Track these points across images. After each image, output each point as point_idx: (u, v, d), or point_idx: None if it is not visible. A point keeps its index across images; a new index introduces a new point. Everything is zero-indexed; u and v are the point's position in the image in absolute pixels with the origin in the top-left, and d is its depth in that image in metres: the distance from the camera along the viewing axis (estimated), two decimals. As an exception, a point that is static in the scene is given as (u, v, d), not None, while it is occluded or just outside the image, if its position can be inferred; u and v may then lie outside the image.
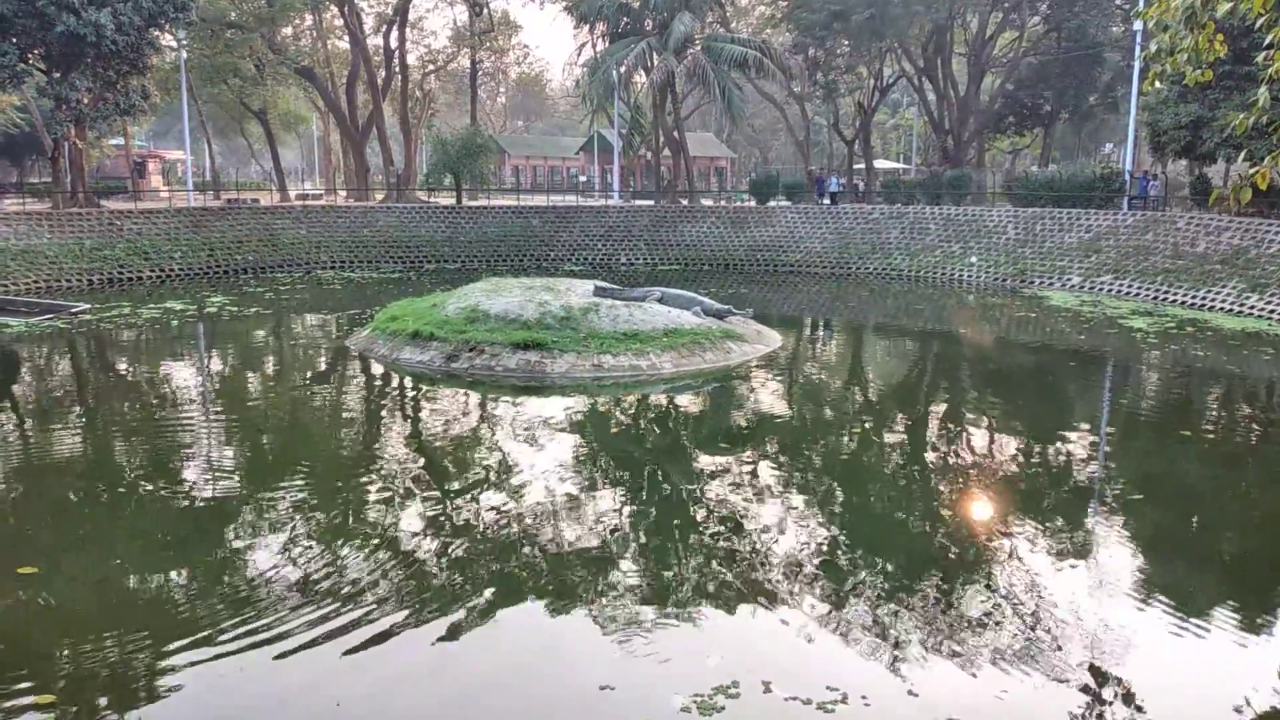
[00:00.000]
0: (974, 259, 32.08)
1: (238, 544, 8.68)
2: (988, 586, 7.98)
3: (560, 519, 9.39)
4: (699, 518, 9.55)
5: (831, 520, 9.52)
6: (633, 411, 14.50)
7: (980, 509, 9.92)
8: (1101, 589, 7.97)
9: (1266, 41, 6.46)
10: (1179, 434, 13.21)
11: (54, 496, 10.08)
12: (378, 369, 17.27)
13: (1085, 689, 6.46)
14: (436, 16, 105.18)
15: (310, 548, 8.58)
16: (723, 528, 9.22)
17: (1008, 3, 41.44)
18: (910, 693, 6.40)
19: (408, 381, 16.43)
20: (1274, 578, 8.47)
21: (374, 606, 7.46)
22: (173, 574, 8.10)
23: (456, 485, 10.50)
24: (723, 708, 6.14)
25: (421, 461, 11.37)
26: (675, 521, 9.44)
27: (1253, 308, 23.39)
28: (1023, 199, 34.58)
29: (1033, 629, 7.24)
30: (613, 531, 9.11)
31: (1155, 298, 25.88)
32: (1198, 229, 27.12)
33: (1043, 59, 43.82)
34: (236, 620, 7.20)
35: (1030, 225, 31.73)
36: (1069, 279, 28.91)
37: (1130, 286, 27.04)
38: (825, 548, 8.78)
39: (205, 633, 7.02)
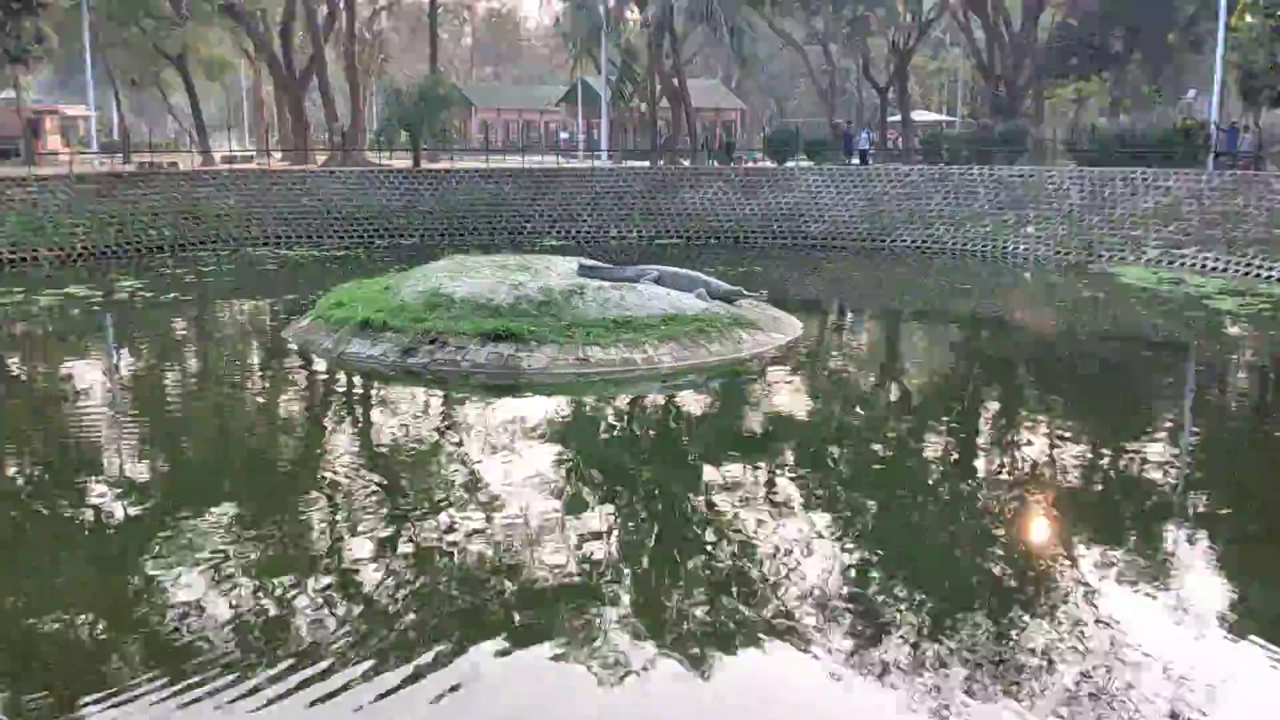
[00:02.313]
0: (1031, 229, 32.13)
1: (157, 579, 8.65)
2: (1050, 619, 7.99)
3: (540, 544, 9.38)
4: (705, 540, 9.55)
5: (863, 542, 9.53)
6: (625, 414, 14.49)
7: (1039, 528, 9.93)
8: (1185, 621, 7.99)
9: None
10: (1276, 438, 13.25)
11: (-66, 521, 10.04)
12: (320, 365, 17.23)
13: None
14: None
15: (243, 583, 8.56)
16: (733, 551, 9.22)
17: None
18: (957, 748, 6.41)
19: (356, 380, 16.39)
20: (1388, 606, 8.49)
21: (319, 653, 7.45)
22: (80, 616, 8.07)
23: (416, 505, 10.49)
24: (734, 767, 6.15)
25: (374, 477, 11.36)
26: (677, 545, 9.44)
27: (1362, 285, 23.47)
28: (1089, 157, 34.61)
29: (1103, 669, 7.25)
30: (603, 558, 9.11)
31: (1247, 273, 25.93)
32: (1297, 191, 27.17)
33: (1112, -11, 43.85)
34: (156, 673, 7.18)
35: (1098, 188, 31.78)
36: (1144, 252, 28.97)
37: (1217, 260, 27.09)
38: (856, 574, 8.78)
39: (118, 688, 6.99)
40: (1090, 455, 12.35)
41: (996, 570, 8.94)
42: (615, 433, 13.58)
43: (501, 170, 39.49)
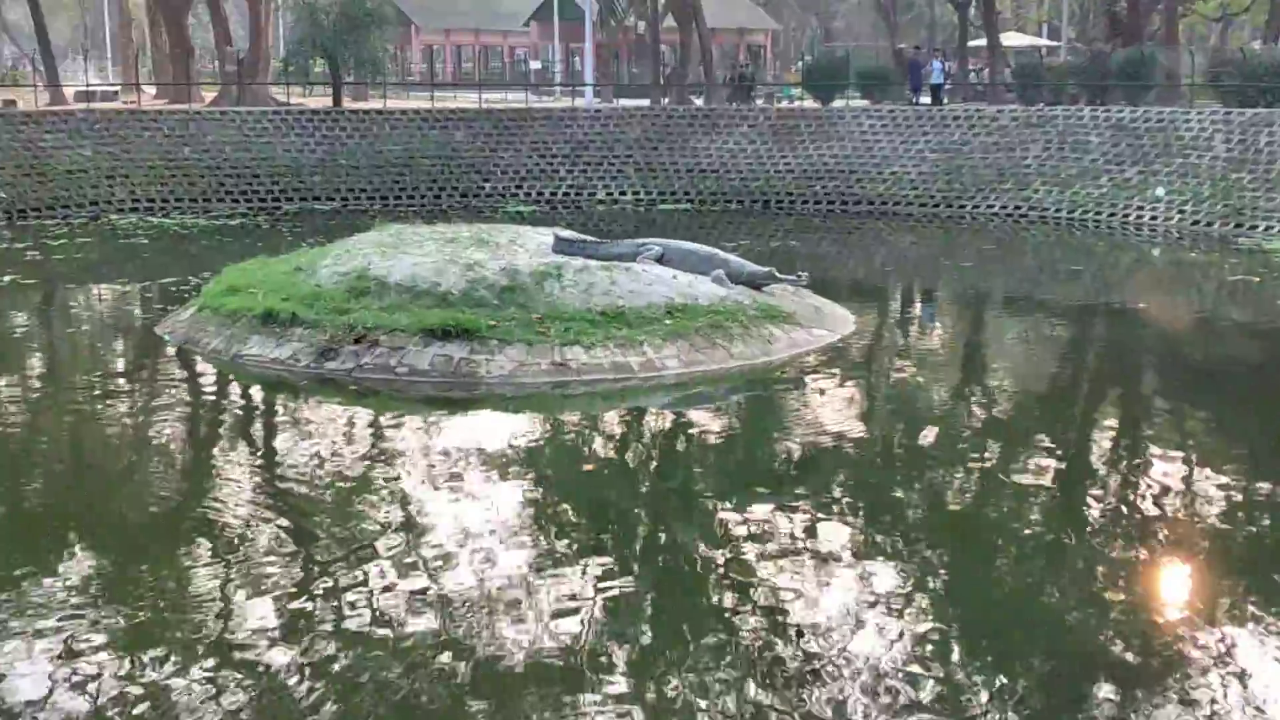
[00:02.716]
0: (1161, 191, 32.19)
1: (-15, 655, 8.64)
2: (1186, 705, 8.00)
3: (503, 612, 9.38)
4: (723, 606, 9.55)
5: (935, 612, 9.52)
6: (617, 438, 14.48)
7: (1172, 587, 9.96)
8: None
9: None
10: None
11: None
12: (208, 371, 17.22)
13: None
14: None
15: (103, 667, 8.54)
16: (761, 623, 9.22)
17: None
18: None
19: (256, 392, 16.40)
20: None
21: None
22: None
23: (337, 560, 10.48)
24: None
25: (279, 523, 11.36)
26: (685, 613, 9.44)
27: None
28: (1239, 95, 34.65)
29: (1257, 781, 7.26)
30: (586, 631, 9.11)
31: None
32: None
33: None
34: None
35: (1250, 137, 31.83)
36: (1312, 221, 29.01)
37: None
38: (927, 655, 8.78)
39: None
40: (1239, 489, 12.34)
41: (1115, 643, 8.94)
42: (603, 462, 13.58)
43: (452, 112, 39.52)
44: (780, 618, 9.30)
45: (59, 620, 9.17)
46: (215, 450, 14.10)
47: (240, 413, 16.00)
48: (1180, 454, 13.85)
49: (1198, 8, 56.87)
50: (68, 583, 9.90)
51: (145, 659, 8.59)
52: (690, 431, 14.68)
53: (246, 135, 36.74)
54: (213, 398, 16.58)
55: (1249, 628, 9.19)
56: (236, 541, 10.80)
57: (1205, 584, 10.01)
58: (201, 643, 8.88)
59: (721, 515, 11.60)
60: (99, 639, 8.89)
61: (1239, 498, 12.20)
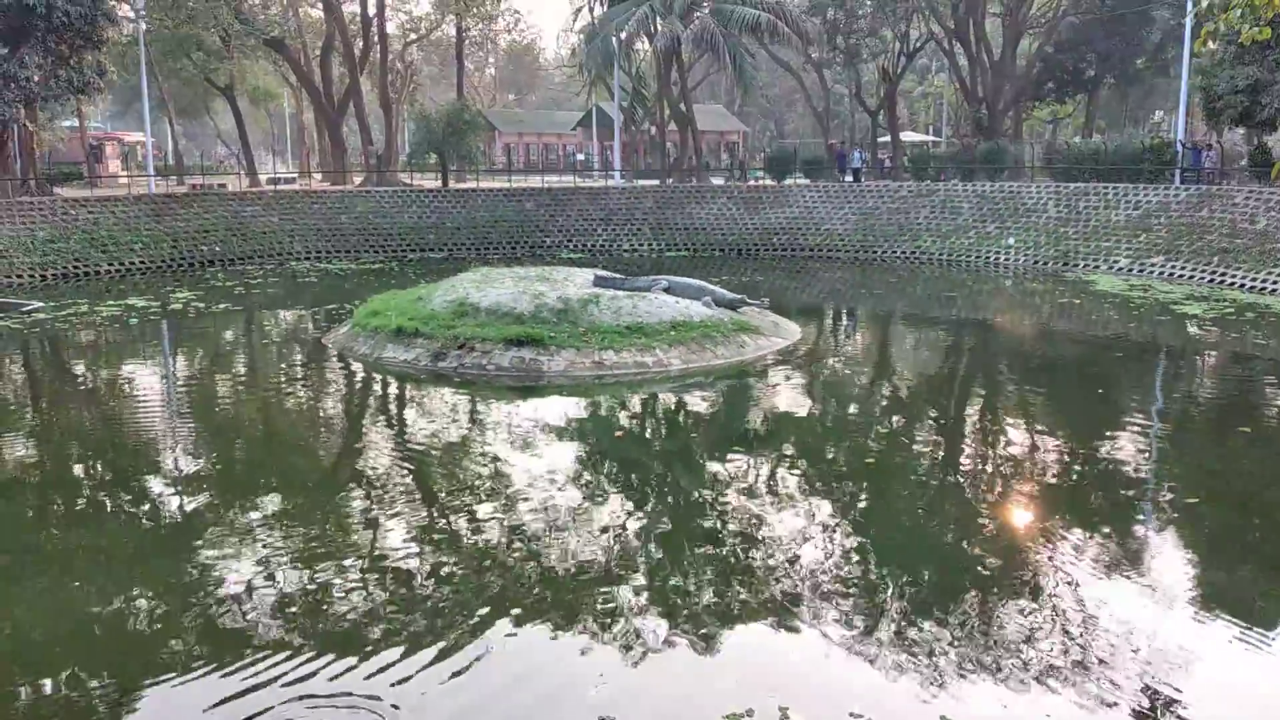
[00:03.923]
0: (1011, 240, 32.02)
1: (209, 568, 8.71)
2: (1030, 600, 7.98)
3: (559, 532, 9.42)
4: (712, 528, 9.56)
5: (857, 530, 9.53)
6: (638, 413, 14.51)
7: (1021, 515, 9.92)
8: (1156, 601, 7.97)
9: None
10: (1239, 430, 13.19)
11: (6, 513, 10.13)
12: (358, 369, 17.30)
13: (1138, 712, 6.47)
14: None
15: (290, 569, 8.61)
16: (738, 539, 9.24)
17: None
18: (944, 718, 6.41)
19: (391, 382, 16.46)
20: (1345, 588, 8.45)
21: (360, 633, 7.49)
22: (139, 602, 8.13)
23: (446, 497, 10.54)
24: (740, 737, 6.16)
25: (408, 471, 11.41)
26: (686, 533, 9.46)
27: (1319, 290, 23.31)
28: (1064, 173, 34.49)
29: (1080, 646, 7.24)
30: (617, 545, 9.14)
31: (1211, 280, 25.81)
32: (1258, 204, 27.01)
33: (1085, 18, 43.68)
34: (209, 656, 7.24)
35: (1073, 202, 31.66)
36: (1116, 261, 28.84)
37: (1184, 268, 26.97)
38: (851, 560, 8.79)
39: (175, 671, 7.05)
40: (1067, 448, 12.27)
41: (981, 555, 8.92)
42: (629, 430, 13.61)
43: (523, 189, 39.59)
44: (751, 537, 9.32)
45: (256, 541, 9.24)
46: (363, 422, 14.16)
47: (380, 396, 16.07)
48: (1025, 422, 13.79)
49: (1036, 113, 56.52)
50: (264, 513, 9.98)
51: (316, 566, 8.66)
52: (688, 408, 14.69)
53: (383, 206, 36.84)
54: (362, 386, 16.65)
55: (1073, 544, 9.17)
56: (379, 485, 10.87)
57: (1043, 513, 9.96)
58: (355, 553, 8.94)
59: (710, 466, 11.63)
60: (285, 553, 8.96)
61: (1067, 453, 12.15)
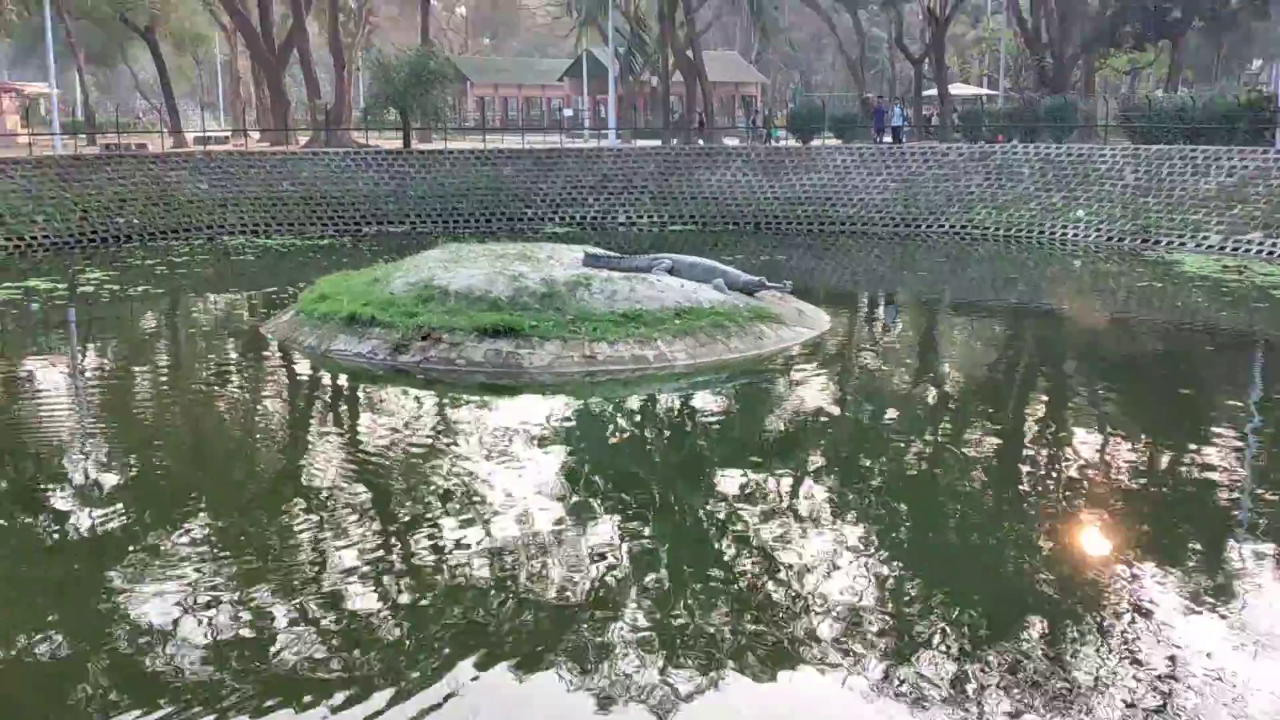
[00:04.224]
0: (1081, 213, 32.06)
1: (126, 599, 8.70)
2: (1101, 639, 7.98)
3: (544, 558, 9.41)
4: (723, 554, 9.56)
5: (896, 556, 9.53)
6: (636, 416, 14.50)
7: (1092, 540, 9.92)
8: (1250, 643, 7.97)
9: None
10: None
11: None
12: (303, 364, 17.28)
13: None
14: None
15: (222, 601, 8.60)
16: (753, 567, 9.23)
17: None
18: (1001, 779, 6.41)
19: (343, 380, 16.44)
20: None
21: (307, 674, 7.49)
22: (42, 645, 8.11)
23: (409, 516, 10.52)
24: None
25: (362, 486, 11.40)
26: (694, 559, 9.46)
27: None
28: (1144, 134, 34.50)
29: (1161, 694, 7.24)
30: (613, 573, 9.13)
31: (1319, 261, 25.83)
32: (1374, 170, 27.04)
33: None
34: (127, 705, 7.23)
35: (1154, 167, 31.68)
36: (1205, 237, 28.86)
37: (1286, 246, 27.00)
38: (887, 591, 8.79)
39: None
40: (1147, 460, 12.31)
41: (1044, 586, 8.91)
42: (625, 437, 13.60)
43: (499, 151, 39.56)
44: (769, 563, 9.32)
45: (183, 567, 9.23)
46: (309, 427, 14.15)
47: (329, 397, 16.05)
48: (1097, 427, 13.80)
49: (1111, 63, 56.55)
50: (192, 536, 9.97)
51: (253, 597, 8.64)
52: (695, 411, 14.68)
53: (333, 171, 36.83)
54: (307, 385, 16.64)
55: (1153, 571, 9.17)
56: (327, 501, 10.85)
57: (1118, 535, 9.97)
58: (300, 582, 8.94)
59: (721, 479, 11.63)
60: (216, 581, 8.95)
61: (1145, 464, 12.17)
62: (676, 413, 14.68)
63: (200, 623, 8.21)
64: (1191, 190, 30.47)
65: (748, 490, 11.19)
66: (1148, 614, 8.36)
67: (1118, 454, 12.57)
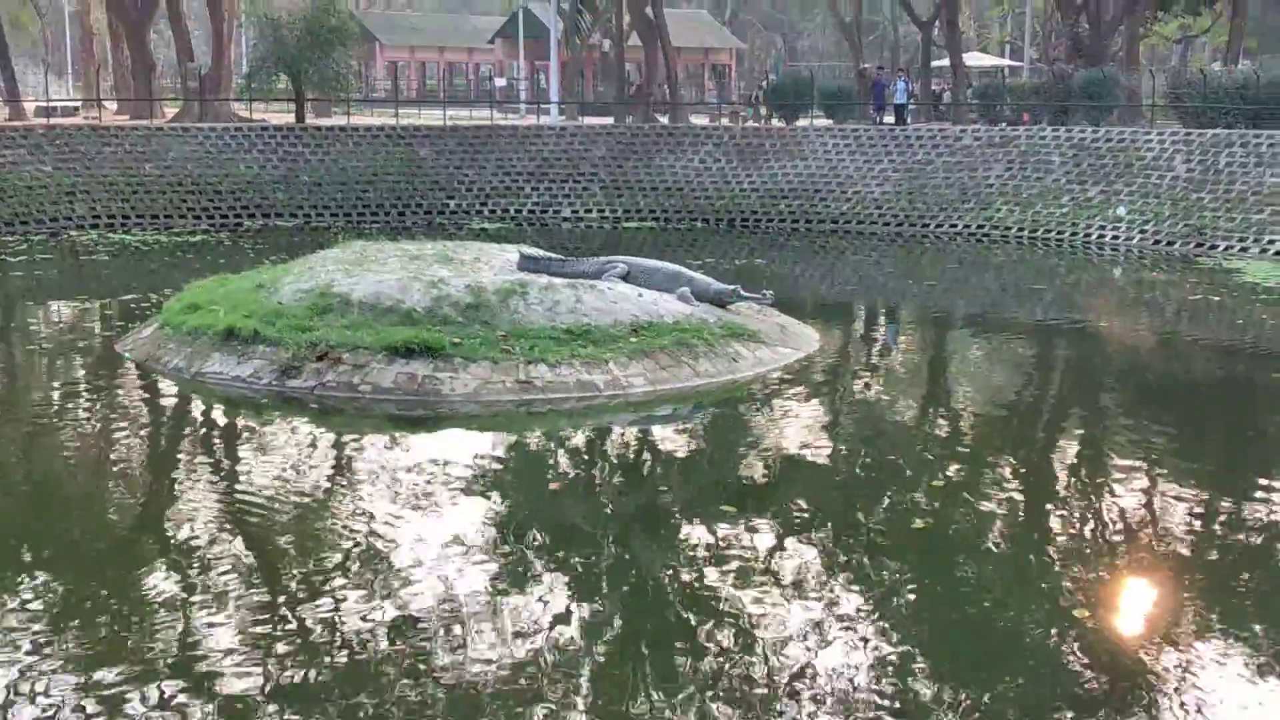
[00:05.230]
0: (1122, 210, 32.45)
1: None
2: (1149, 732, 8.01)
3: (467, 633, 9.34)
4: (689, 627, 9.52)
5: (899, 631, 9.52)
6: (582, 456, 14.46)
7: (1137, 607, 9.98)
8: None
9: None
10: None
11: None
12: (169, 390, 17.09)
13: None
14: None
15: (62, 684, 8.44)
16: (726, 641, 9.21)
17: None
18: None
19: (218, 411, 16.29)
20: None
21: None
22: None
23: (300, 581, 10.42)
24: None
25: (241, 544, 11.28)
26: (650, 632, 9.43)
27: None
28: (1198, 115, 35.01)
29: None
30: (552, 651, 9.07)
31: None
32: None
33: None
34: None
35: (1210, 156, 32.13)
36: (1272, 240, 29.32)
37: (1367, 253, 27.48)
38: (888, 671, 8.78)
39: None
40: (1204, 510, 12.41)
41: (1081, 665, 8.95)
42: (569, 482, 13.54)
43: (415, 129, 39.47)
44: (746, 638, 9.29)
45: (17, 645, 9.05)
46: (176, 471, 13.97)
47: (201, 432, 15.87)
48: (1142, 473, 13.87)
49: (1159, 29, 57.47)
50: (27, 605, 9.78)
51: (105, 683, 8.49)
52: (656, 450, 14.66)
53: (209, 151, 36.57)
54: (173, 417, 16.44)
55: (1214, 649, 9.18)
56: (198, 564, 10.70)
57: (1170, 604, 10.02)
58: (162, 667, 8.79)
59: (687, 535, 11.59)
60: (56, 661, 8.79)
61: (1201, 517, 12.26)
62: (632, 452, 14.65)
63: (33, 711, 8.05)
64: (1255, 184, 30.93)
65: (719, 548, 11.17)
66: (1205, 706, 8.38)
67: (1168, 506, 12.66)
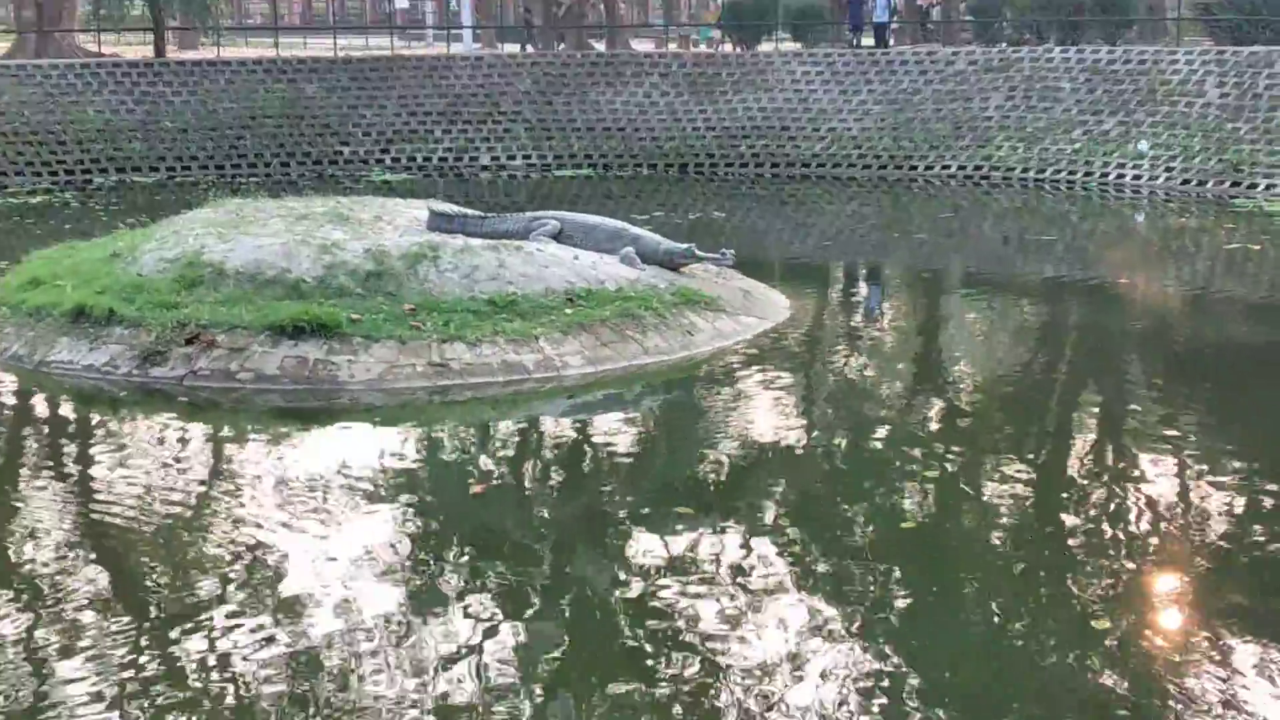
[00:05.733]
0: (1144, 145, 32.67)
1: None
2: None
3: (373, 664, 9.34)
4: (641, 650, 9.57)
5: (890, 646, 9.59)
6: (509, 452, 14.47)
7: (1170, 620, 10.09)
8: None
9: None
10: None
11: None
12: (7, 383, 16.94)
13: None
14: None
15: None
16: (687, 668, 9.25)
17: None
18: None
19: (67, 406, 16.21)
20: None
21: None
22: None
23: (170, 606, 10.37)
24: None
25: (98, 565, 11.23)
26: (596, 659, 9.47)
27: None
28: (1234, 31, 35.23)
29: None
30: (475, 681, 9.09)
31: None
32: None
33: None
34: None
35: (1248, 80, 32.37)
36: (1319, 179, 29.59)
37: None
38: (877, 694, 8.86)
39: None
40: (1238, 495, 12.51)
41: (1102, 680, 9.05)
42: (495, 484, 13.55)
43: (300, 62, 39.24)
44: (708, 663, 9.32)
45: None
46: (17, 481, 13.84)
47: (47, 433, 15.75)
48: (1172, 457, 13.99)
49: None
50: None
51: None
52: (598, 443, 14.68)
53: (49, 94, 36.17)
54: (13, 415, 16.28)
55: (1259, 668, 9.27)
56: (44, 587, 10.64)
57: (1206, 615, 10.06)
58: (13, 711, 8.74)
59: (637, 542, 11.63)
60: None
61: (1241, 509, 12.35)
62: (570, 446, 14.67)
63: None
64: (1298, 112, 31.21)
65: (675, 556, 11.22)
66: (1246, 714, 8.50)
67: (1201, 496, 12.77)
